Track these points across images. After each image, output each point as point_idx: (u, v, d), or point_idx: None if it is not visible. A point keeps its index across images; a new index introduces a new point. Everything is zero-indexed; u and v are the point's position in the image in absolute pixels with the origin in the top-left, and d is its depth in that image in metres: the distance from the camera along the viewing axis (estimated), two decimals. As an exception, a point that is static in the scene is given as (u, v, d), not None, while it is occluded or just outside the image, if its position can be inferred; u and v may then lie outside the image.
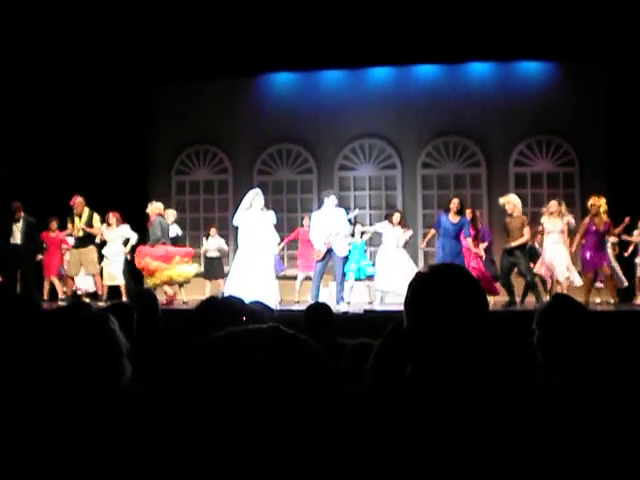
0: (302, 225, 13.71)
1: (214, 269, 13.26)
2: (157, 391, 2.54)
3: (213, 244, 13.42)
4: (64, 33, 13.13)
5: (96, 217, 12.27)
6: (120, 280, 12.33)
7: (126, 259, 12.47)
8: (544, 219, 11.42)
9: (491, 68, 14.82)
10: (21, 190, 12.97)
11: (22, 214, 12.43)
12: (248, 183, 15.42)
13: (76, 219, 12.26)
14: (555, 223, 11.30)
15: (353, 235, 12.34)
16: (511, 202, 11.22)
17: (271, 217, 11.31)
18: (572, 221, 11.55)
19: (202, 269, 13.12)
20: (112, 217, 12.44)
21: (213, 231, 13.60)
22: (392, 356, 3.05)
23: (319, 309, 5.65)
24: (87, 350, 2.39)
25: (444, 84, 14.64)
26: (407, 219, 13.69)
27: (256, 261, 10.79)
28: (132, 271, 12.47)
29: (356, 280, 12.40)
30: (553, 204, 11.40)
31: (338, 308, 10.17)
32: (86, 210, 12.26)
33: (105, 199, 13.42)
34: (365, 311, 10.33)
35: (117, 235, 12.45)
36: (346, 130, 15.04)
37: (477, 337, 1.65)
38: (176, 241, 12.70)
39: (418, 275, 1.78)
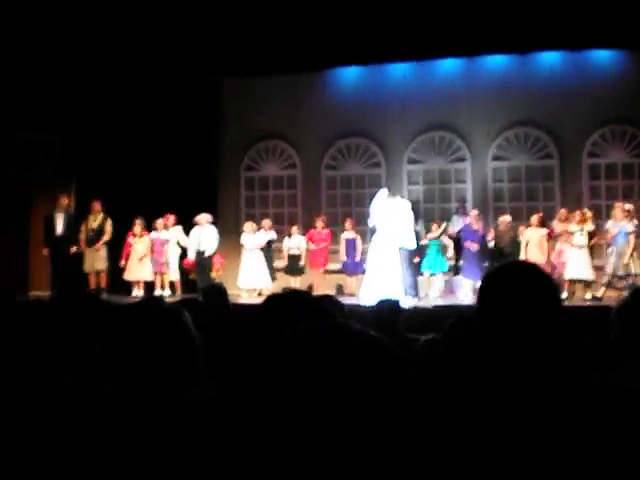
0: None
1: (295, 266, 13.92)
2: (227, 386, 2.55)
3: (294, 242, 14.06)
4: (134, 31, 13.37)
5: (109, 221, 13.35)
6: (175, 276, 13.66)
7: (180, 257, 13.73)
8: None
9: (562, 57, 14.45)
10: (88, 187, 13.53)
11: (65, 206, 13.28)
12: (316, 178, 15.50)
13: (91, 219, 13.27)
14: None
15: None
16: None
17: None
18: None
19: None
20: (168, 218, 13.58)
21: (294, 229, 14.26)
22: (458, 352, 3.02)
23: (388, 304, 5.63)
24: (163, 344, 2.43)
25: (514, 74, 14.36)
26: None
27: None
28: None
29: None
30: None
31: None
32: (101, 214, 13.32)
33: (175, 196, 13.74)
34: (434, 306, 10.26)
35: (171, 235, 13.57)
36: (414, 123, 14.93)
37: (552, 334, 1.61)
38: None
39: (488, 275, 1.74)
